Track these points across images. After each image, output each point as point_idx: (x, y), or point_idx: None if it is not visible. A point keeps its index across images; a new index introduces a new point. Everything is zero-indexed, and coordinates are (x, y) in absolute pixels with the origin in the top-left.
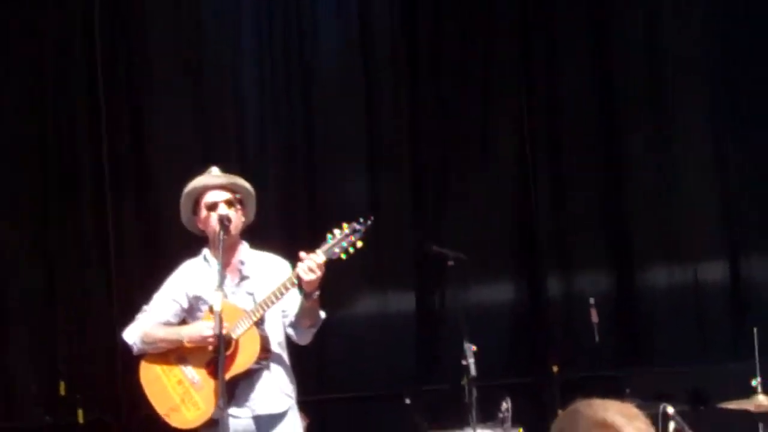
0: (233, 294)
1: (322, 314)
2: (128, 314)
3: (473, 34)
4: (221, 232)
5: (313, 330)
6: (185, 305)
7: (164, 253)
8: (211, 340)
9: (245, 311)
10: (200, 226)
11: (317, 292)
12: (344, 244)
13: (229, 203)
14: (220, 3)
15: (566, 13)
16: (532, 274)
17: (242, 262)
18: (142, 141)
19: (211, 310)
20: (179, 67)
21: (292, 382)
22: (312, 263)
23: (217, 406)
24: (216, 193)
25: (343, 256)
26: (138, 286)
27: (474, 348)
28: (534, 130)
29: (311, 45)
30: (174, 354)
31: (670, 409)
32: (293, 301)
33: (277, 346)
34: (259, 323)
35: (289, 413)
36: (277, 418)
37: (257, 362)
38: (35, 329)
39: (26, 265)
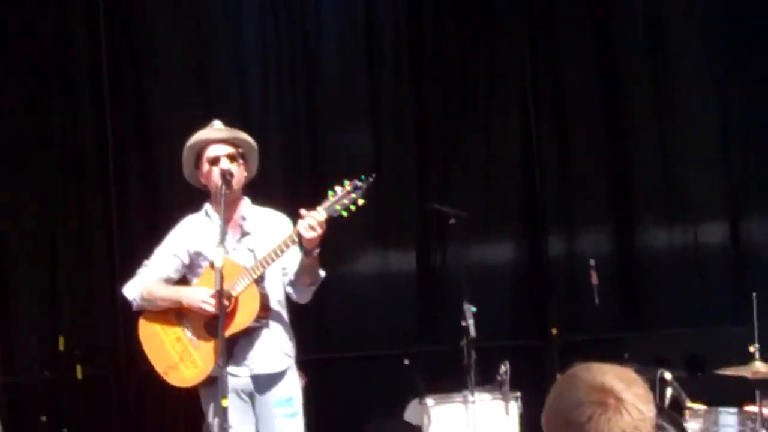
0: (234, 250)
1: (322, 273)
2: (129, 269)
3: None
4: (223, 187)
5: (313, 288)
6: (186, 261)
7: (166, 207)
8: (208, 309)
9: (245, 268)
10: (202, 180)
11: (317, 250)
12: (345, 201)
13: (232, 157)
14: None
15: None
16: (533, 234)
17: (244, 218)
18: (144, 96)
19: (211, 265)
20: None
21: (291, 341)
22: (313, 220)
23: (216, 364)
24: (218, 147)
25: (344, 214)
26: (139, 240)
27: (474, 309)
28: (537, 94)
29: (315, 35)
30: (173, 311)
31: (668, 375)
32: (294, 258)
33: (277, 304)
34: (259, 281)
35: (288, 372)
36: (275, 377)
37: (256, 320)
38: (34, 284)
39: (27, 220)
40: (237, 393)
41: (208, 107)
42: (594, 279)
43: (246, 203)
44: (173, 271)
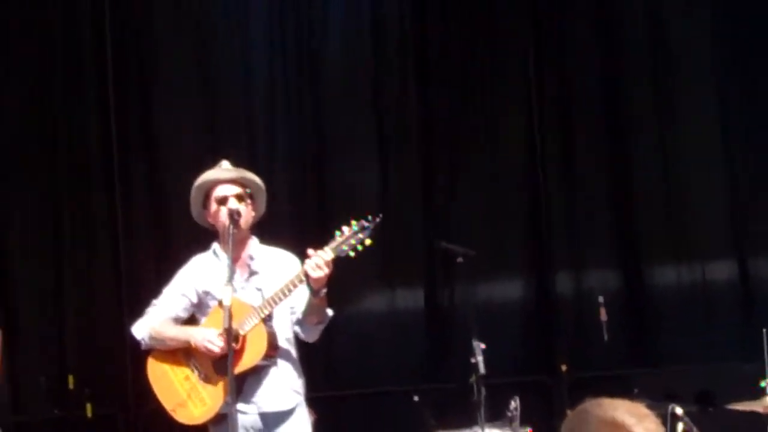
0: (242, 289)
1: (330, 312)
2: (137, 309)
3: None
4: (231, 227)
5: (321, 327)
6: (194, 300)
7: (174, 247)
8: (215, 350)
9: (253, 307)
10: (210, 220)
11: (324, 290)
12: (353, 241)
13: (240, 197)
14: None
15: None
16: (541, 271)
17: (252, 257)
18: (151, 131)
19: (220, 304)
20: (189, 62)
21: (300, 378)
22: (320, 260)
23: (224, 401)
24: (226, 187)
25: (351, 254)
26: (147, 280)
27: (483, 346)
28: (544, 129)
29: (320, 35)
30: (182, 350)
31: (679, 410)
32: (301, 297)
33: (285, 342)
34: (267, 319)
35: (297, 410)
36: (284, 415)
37: (264, 359)
38: (44, 323)
39: (35, 259)
40: (246, 430)
41: (212, 109)
42: (603, 315)
43: (254, 242)
44: (182, 311)
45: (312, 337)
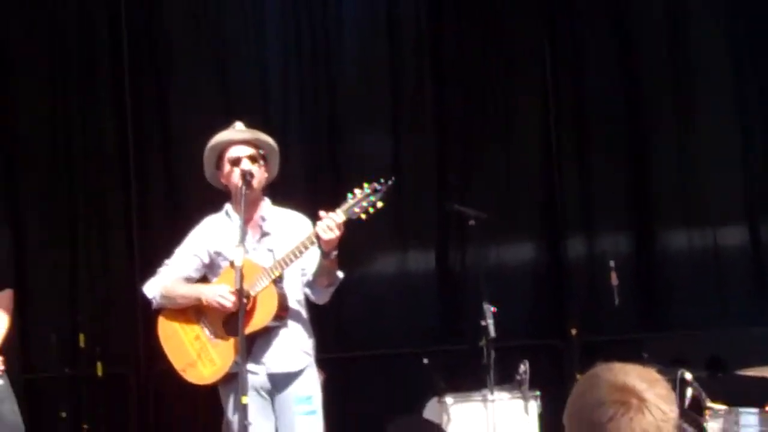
0: (254, 250)
1: (340, 274)
2: (149, 268)
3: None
4: (243, 187)
5: (331, 290)
6: (206, 260)
7: (186, 207)
8: (227, 304)
9: (264, 268)
10: (223, 180)
11: (335, 252)
12: (364, 204)
13: (253, 158)
14: None
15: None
16: (552, 234)
17: (263, 219)
18: (166, 97)
19: (231, 265)
20: (203, 30)
21: (310, 338)
22: (331, 222)
23: (234, 361)
24: (239, 148)
25: (363, 216)
26: (160, 239)
27: (493, 309)
28: (558, 94)
29: (335, 12)
30: (192, 309)
31: (688, 375)
32: (312, 259)
33: (296, 303)
34: (278, 281)
35: (307, 370)
36: (292, 376)
37: (274, 320)
38: (56, 281)
39: (49, 220)
40: (256, 390)
41: (228, 106)
42: (614, 280)
43: (266, 204)
44: (193, 271)
45: (322, 299)
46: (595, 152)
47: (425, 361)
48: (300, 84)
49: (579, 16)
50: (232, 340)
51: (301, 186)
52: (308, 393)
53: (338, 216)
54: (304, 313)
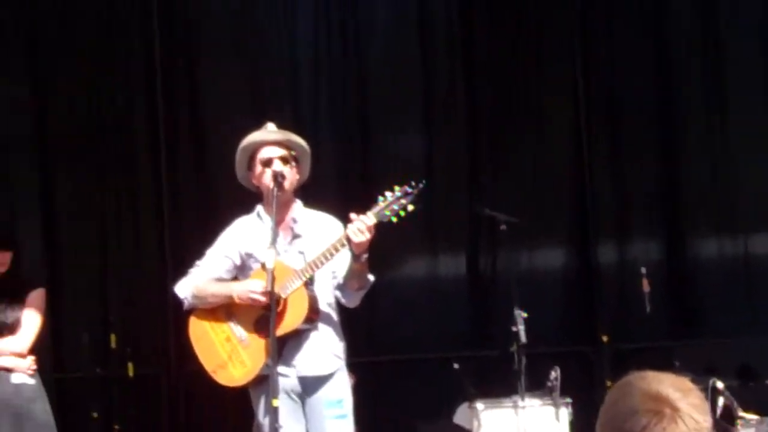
0: (285, 252)
1: (371, 277)
2: (181, 269)
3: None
4: (275, 189)
5: (362, 293)
6: (237, 262)
7: (218, 208)
8: (260, 299)
9: (295, 270)
10: (254, 182)
11: (366, 255)
12: (395, 206)
13: (284, 160)
14: None
15: None
16: (584, 240)
17: (295, 220)
18: (198, 98)
19: (263, 267)
20: (235, 30)
21: (341, 342)
22: (362, 225)
23: (265, 363)
24: (271, 149)
25: (394, 219)
26: (191, 240)
27: (524, 314)
28: (590, 98)
29: (366, 12)
30: (223, 310)
31: (720, 384)
32: (343, 262)
33: (327, 306)
34: (309, 283)
35: (337, 374)
36: (323, 379)
37: (305, 322)
38: (88, 281)
39: (81, 218)
40: (287, 393)
41: (260, 107)
42: (645, 286)
43: (297, 206)
44: (224, 272)
45: (353, 302)
46: (625, 155)
47: (456, 366)
48: (331, 84)
49: (610, 16)
50: (262, 342)
51: (332, 187)
52: (339, 396)
53: (369, 218)
54: (335, 316)
